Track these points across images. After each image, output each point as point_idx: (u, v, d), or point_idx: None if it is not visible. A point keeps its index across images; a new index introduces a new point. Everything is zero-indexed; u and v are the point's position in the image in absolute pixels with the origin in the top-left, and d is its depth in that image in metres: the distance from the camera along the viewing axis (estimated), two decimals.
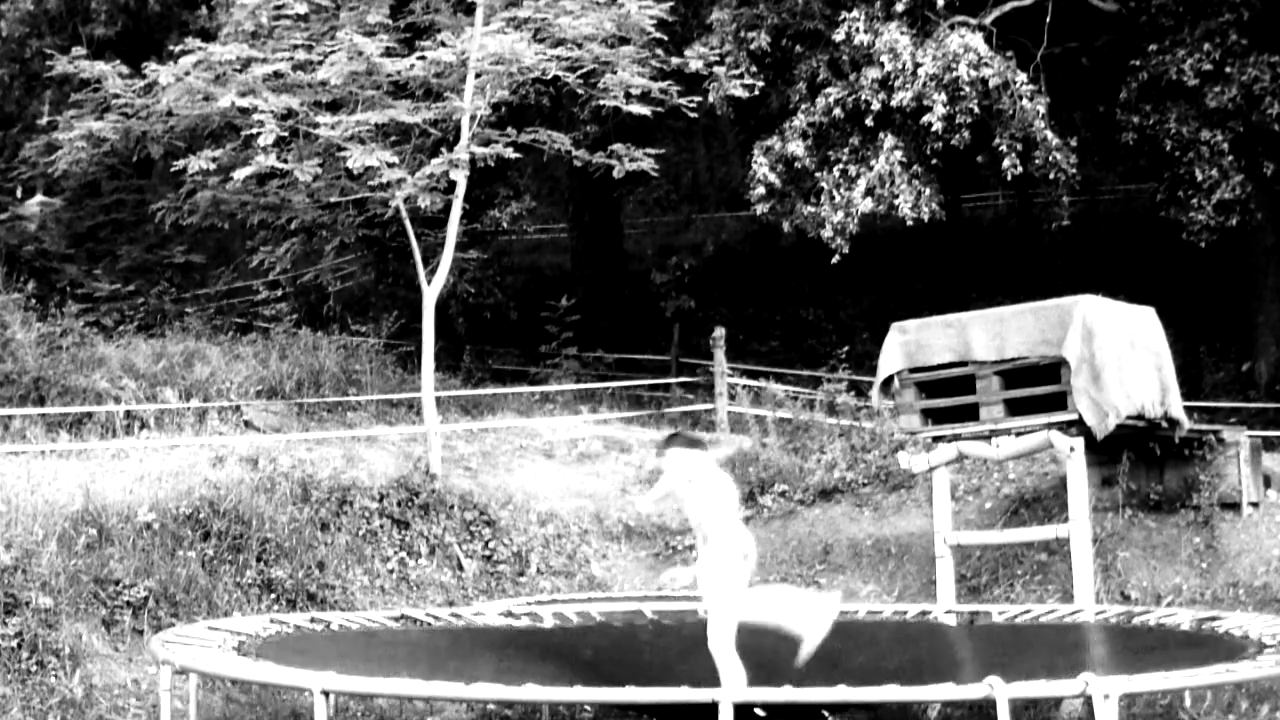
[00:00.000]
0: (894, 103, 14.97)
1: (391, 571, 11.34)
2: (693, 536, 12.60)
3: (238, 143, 13.45)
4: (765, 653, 7.47)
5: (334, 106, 13.34)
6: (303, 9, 13.16)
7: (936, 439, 10.43)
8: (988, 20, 15.45)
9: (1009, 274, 19.80)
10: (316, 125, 12.84)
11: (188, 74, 12.76)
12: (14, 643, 8.78)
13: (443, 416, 13.91)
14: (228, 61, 12.73)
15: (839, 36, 15.27)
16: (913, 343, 10.52)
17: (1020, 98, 14.89)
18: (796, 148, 15.66)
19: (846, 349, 16.98)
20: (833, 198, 15.43)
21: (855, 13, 15.22)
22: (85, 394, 13.12)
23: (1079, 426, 9.65)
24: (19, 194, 21.83)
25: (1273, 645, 7.01)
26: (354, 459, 12.65)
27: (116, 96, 13.38)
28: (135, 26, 20.85)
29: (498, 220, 20.46)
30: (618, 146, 13.97)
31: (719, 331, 16.14)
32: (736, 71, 15.01)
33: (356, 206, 15.04)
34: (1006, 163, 15.08)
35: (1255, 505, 10.84)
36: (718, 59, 14.87)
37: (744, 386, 16.28)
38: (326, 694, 6.24)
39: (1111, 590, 10.45)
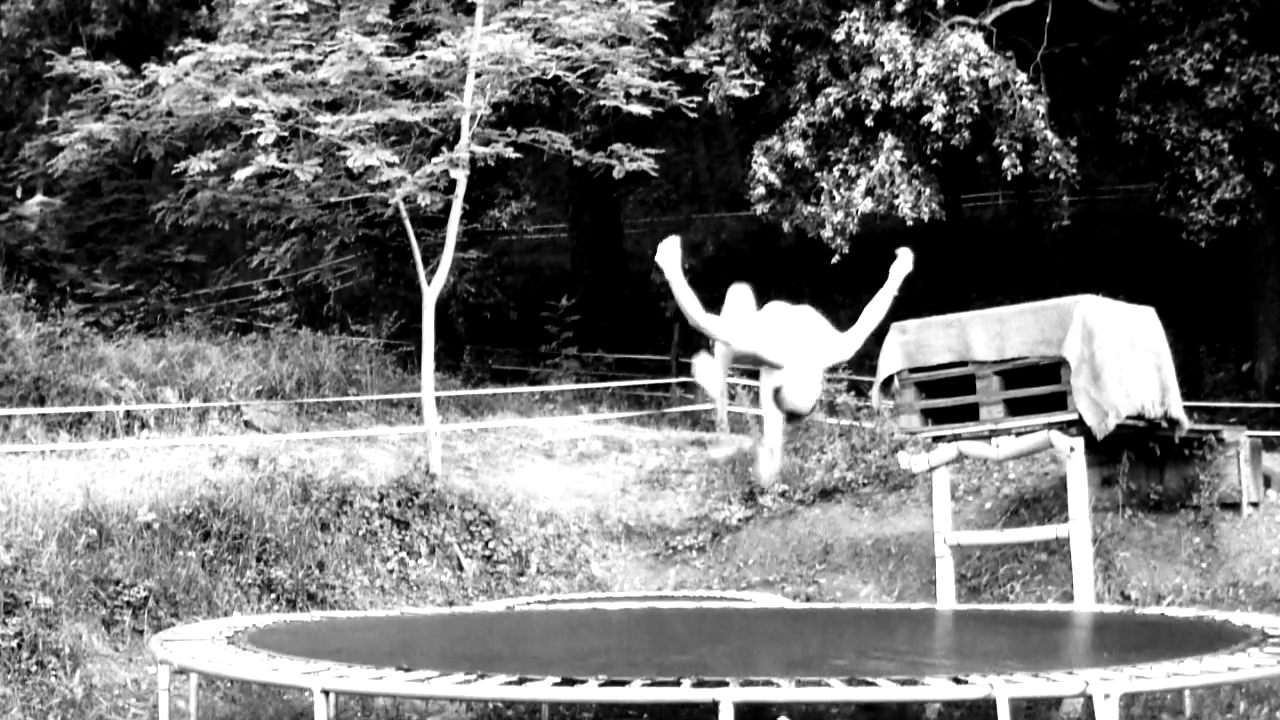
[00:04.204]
0: (894, 103, 14.97)
1: (391, 571, 11.34)
2: (691, 537, 12.68)
3: (238, 143, 13.46)
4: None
5: (334, 106, 13.34)
6: (303, 9, 13.17)
7: (936, 439, 10.43)
8: (988, 20, 15.45)
9: (1009, 274, 19.80)
10: (316, 125, 12.85)
11: (187, 74, 12.77)
12: (14, 643, 8.78)
13: (443, 416, 13.92)
14: (228, 62, 12.74)
15: (839, 36, 15.27)
16: (913, 343, 10.52)
17: (1020, 98, 14.89)
18: (796, 148, 15.67)
19: None
20: (833, 198, 15.43)
21: (855, 13, 15.22)
22: (85, 394, 13.13)
23: (1079, 426, 9.65)
24: (19, 194, 21.83)
25: (1275, 638, 7.01)
26: (354, 459, 12.65)
27: (116, 97, 13.38)
28: (135, 26, 20.85)
29: (498, 220, 20.46)
30: (618, 146, 13.98)
31: None
32: (736, 71, 15.01)
33: (356, 206, 15.05)
34: (1006, 163, 15.08)
35: (1255, 505, 10.83)
36: (718, 59, 14.88)
37: (744, 386, 16.28)
38: (326, 694, 6.24)
39: (1111, 590, 10.44)
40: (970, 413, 10.25)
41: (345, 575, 10.98)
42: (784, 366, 6.16)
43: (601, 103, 13.72)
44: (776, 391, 6.12)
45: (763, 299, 6.94)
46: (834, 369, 6.91)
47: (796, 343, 6.24)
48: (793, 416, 6.28)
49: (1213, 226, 15.24)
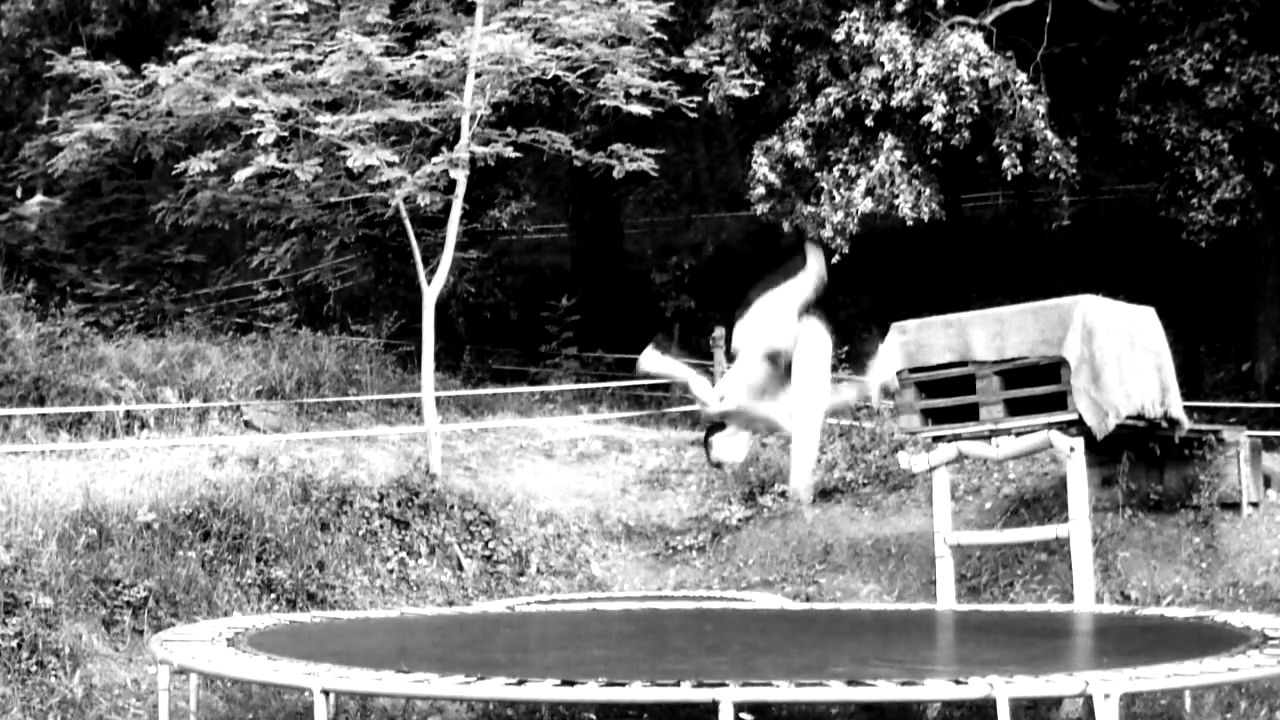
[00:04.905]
0: (894, 103, 14.96)
1: (391, 571, 11.34)
2: (691, 537, 12.67)
3: (238, 143, 13.46)
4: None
5: (334, 106, 13.34)
6: (303, 9, 13.17)
7: (936, 439, 10.43)
8: (988, 20, 15.44)
9: (1009, 274, 19.78)
10: (316, 125, 12.84)
11: (187, 74, 12.76)
12: (14, 643, 8.78)
13: (443, 416, 13.91)
14: (227, 62, 12.74)
15: (839, 36, 15.26)
16: (913, 343, 10.52)
17: (1020, 98, 14.88)
18: (796, 148, 15.66)
19: (846, 349, 16.96)
20: (833, 198, 15.43)
21: (855, 13, 15.21)
22: (85, 394, 13.12)
23: (1079, 426, 9.65)
24: (19, 194, 21.83)
25: (1275, 638, 7.02)
26: (354, 459, 12.65)
27: (116, 97, 13.38)
28: (135, 26, 20.85)
29: (498, 220, 20.45)
30: (618, 146, 13.97)
31: (719, 331, 16.12)
32: (736, 71, 15.01)
33: (356, 206, 15.05)
34: (1006, 163, 15.06)
35: (1255, 505, 10.83)
36: (718, 59, 14.87)
37: None
38: (326, 694, 6.24)
39: (1111, 590, 10.45)
40: (970, 413, 10.25)
41: (345, 575, 10.98)
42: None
43: (601, 103, 13.72)
44: (709, 441, 6.45)
45: None
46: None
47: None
48: (718, 465, 6.68)
49: (1213, 226, 15.22)
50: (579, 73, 13.41)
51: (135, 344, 14.86)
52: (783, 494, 12.81)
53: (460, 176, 13.12)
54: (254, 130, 12.75)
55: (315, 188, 13.82)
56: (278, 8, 13.18)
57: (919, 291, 19.90)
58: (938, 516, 10.50)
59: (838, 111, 15.52)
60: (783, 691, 5.87)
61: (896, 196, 15.17)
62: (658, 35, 13.64)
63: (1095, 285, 11.91)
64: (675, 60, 13.97)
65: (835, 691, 5.84)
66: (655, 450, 14.20)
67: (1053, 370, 9.78)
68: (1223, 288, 18.18)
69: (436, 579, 11.47)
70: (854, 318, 20.83)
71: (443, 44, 12.96)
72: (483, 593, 11.48)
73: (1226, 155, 15.04)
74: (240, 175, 12.93)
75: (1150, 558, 10.70)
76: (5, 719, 8.29)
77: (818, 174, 15.69)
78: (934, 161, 15.66)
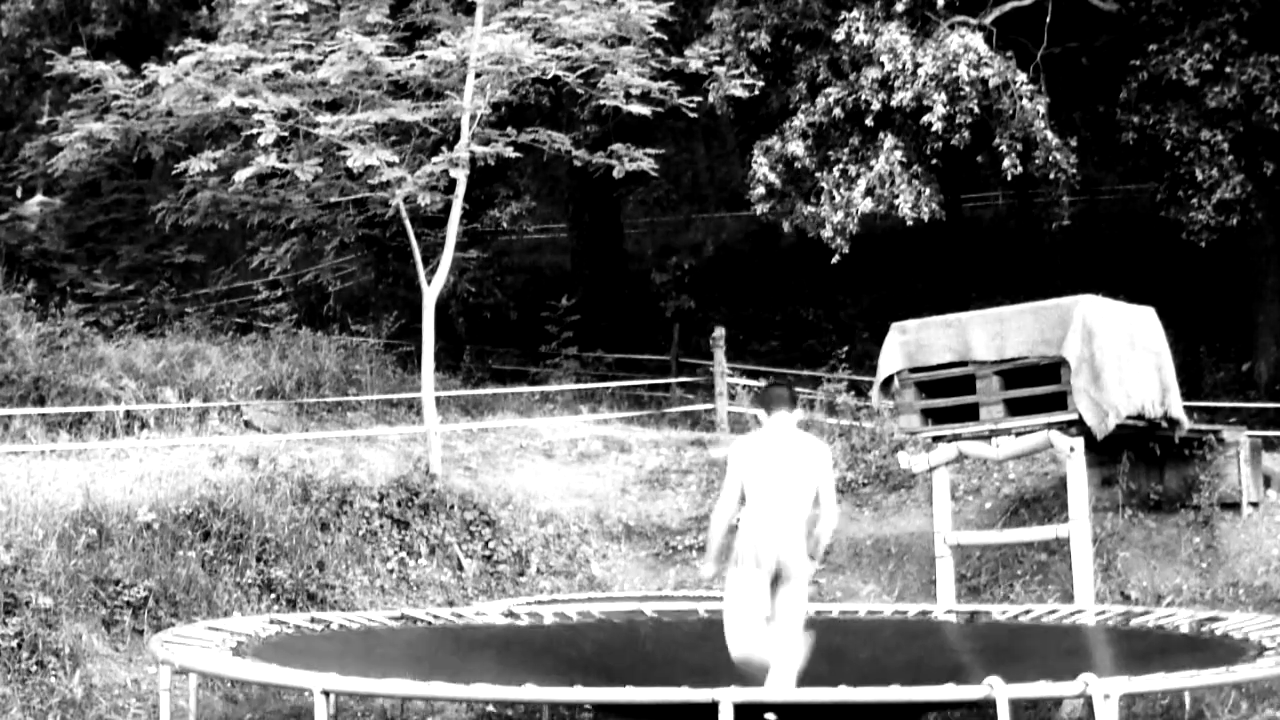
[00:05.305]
0: (894, 103, 14.96)
1: (391, 571, 11.34)
2: (691, 537, 12.65)
3: (238, 143, 13.45)
4: None
5: (334, 106, 13.34)
6: (303, 9, 13.16)
7: (936, 439, 10.43)
8: (988, 20, 15.44)
9: (1009, 274, 19.80)
10: (316, 125, 12.84)
11: (187, 74, 12.76)
12: (14, 643, 8.78)
13: (443, 416, 13.92)
14: (227, 62, 12.73)
15: (839, 36, 15.26)
16: (913, 343, 10.52)
17: (1020, 98, 14.88)
18: (796, 148, 15.65)
19: (846, 349, 17.01)
20: (833, 198, 15.43)
21: (855, 13, 15.21)
22: (85, 394, 13.13)
23: (1079, 426, 9.65)
24: (19, 194, 21.82)
25: (1272, 647, 7.02)
26: (354, 459, 12.65)
27: (116, 97, 13.38)
28: (135, 26, 20.84)
29: (498, 220, 20.45)
30: (618, 146, 13.97)
31: (719, 331, 16.16)
32: (736, 71, 15.00)
33: (356, 206, 15.04)
34: (1006, 163, 15.07)
35: (1255, 505, 10.84)
36: (718, 59, 14.87)
37: (744, 386, 16.30)
38: (327, 694, 6.25)
39: (1111, 590, 10.45)
40: (970, 413, 10.25)
41: (345, 575, 10.98)
42: None
43: (601, 103, 13.72)
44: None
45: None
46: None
47: None
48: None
49: (1213, 226, 15.23)
50: (579, 73, 13.41)
51: (135, 344, 14.86)
52: None
53: (460, 176, 13.12)
54: (254, 130, 12.75)
55: (315, 188, 13.82)
56: (278, 8, 13.17)
57: (919, 291, 19.91)
58: (938, 516, 10.50)
59: (838, 111, 15.52)
60: (784, 692, 5.88)
61: (896, 196, 15.17)
62: (658, 35, 13.64)
63: (1095, 285, 11.93)
64: (675, 60, 13.96)
65: (835, 692, 5.85)
66: (655, 450, 14.20)
67: (1053, 370, 9.78)
68: (1223, 288, 18.19)
69: (436, 579, 11.47)
70: (854, 318, 20.88)
71: (443, 44, 12.96)
72: (483, 593, 11.48)
73: (1226, 155, 15.05)
74: (240, 175, 12.92)
75: (1150, 558, 10.70)
76: (5, 719, 8.29)
77: (818, 174, 15.69)
78: (934, 161, 15.67)
